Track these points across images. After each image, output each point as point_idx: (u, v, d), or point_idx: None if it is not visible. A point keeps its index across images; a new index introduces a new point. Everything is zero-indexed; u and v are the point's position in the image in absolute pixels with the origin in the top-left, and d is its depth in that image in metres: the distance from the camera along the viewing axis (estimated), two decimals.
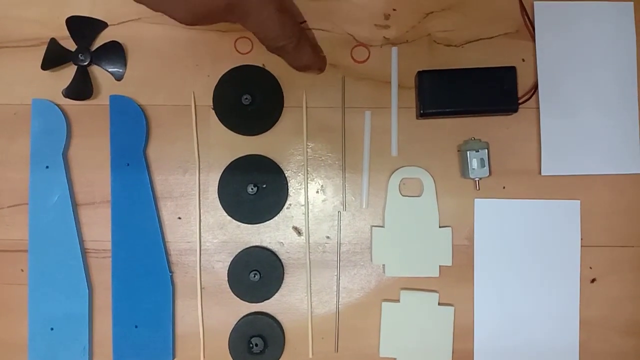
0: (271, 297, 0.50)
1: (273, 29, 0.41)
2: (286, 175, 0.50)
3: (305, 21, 0.49)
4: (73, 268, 0.49)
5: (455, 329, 0.50)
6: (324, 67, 0.50)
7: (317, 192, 0.51)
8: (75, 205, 0.50)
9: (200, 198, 0.51)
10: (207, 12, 0.38)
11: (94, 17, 0.50)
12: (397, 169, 0.50)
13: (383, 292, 0.50)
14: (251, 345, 0.49)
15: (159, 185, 0.51)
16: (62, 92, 0.50)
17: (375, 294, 0.50)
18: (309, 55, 0.45)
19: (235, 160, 0.50)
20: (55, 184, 0.50)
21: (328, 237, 0.51)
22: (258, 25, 0.40)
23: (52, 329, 0.49)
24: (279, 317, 0.50)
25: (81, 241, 0.50)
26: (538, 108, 0.50)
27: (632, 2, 0.50)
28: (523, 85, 0.50)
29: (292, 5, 0.47)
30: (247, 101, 0.49)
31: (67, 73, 0.50)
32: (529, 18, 0.50)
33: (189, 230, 0.51)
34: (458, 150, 0.50)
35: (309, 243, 0.51)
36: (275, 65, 0.50)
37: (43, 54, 0.49)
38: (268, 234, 0.51)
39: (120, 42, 0.50)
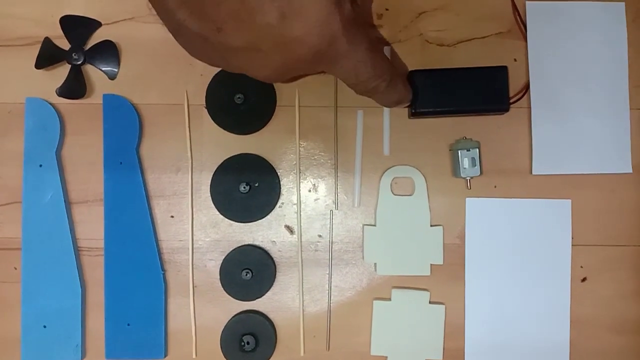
0: (263, 295, 0.50)
1: (365, 72, 0.35)
2: (279, 174, 0.51)
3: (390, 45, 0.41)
4: (66, 266, 0.50)
5: (446, 327, 0.50)
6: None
7: (310, 191, 0.51)
8: (68, 204, 0.50)
9: (193, 197, 0.51)
10: (293, 67, 0.33)
11: (87, 16, 0.51)
12: (389, 168, 0.50)
13: (374, 291, 0.51)
14: (243, 343, 0.49)
15: (152, 184, 0.51)
16: (55, 91, 0.50)
17: (366, 292, 0.51)
18: (400, 92, 0.40)
19: (227, 159, 0.50)
20: (49, 182, 0.50)
21: (320, 236, 0.51)
22: (349, 70, 0.35)
23: (45, 326, 0.49)
24: (271, 316, 0.51)
25: (74, 239, 0.50)
26: (529, 108, 0.50)
27: (624, 3, 0.50)
28: (514, 85, 0.50)
29: (380, 36, 0.40)
30: (239, 100, 0.49)
31: (61, 72, 0.50)
32: (520, 18, 0.50)
33: (181, 228, 0.51)
34: (449, 150, 0.50)
35: (301, 242, 0.51)
36: None
37: (37, 53, 0.50)
38: (260, 232, 0.51)
39: (113, 41, 0.50)
